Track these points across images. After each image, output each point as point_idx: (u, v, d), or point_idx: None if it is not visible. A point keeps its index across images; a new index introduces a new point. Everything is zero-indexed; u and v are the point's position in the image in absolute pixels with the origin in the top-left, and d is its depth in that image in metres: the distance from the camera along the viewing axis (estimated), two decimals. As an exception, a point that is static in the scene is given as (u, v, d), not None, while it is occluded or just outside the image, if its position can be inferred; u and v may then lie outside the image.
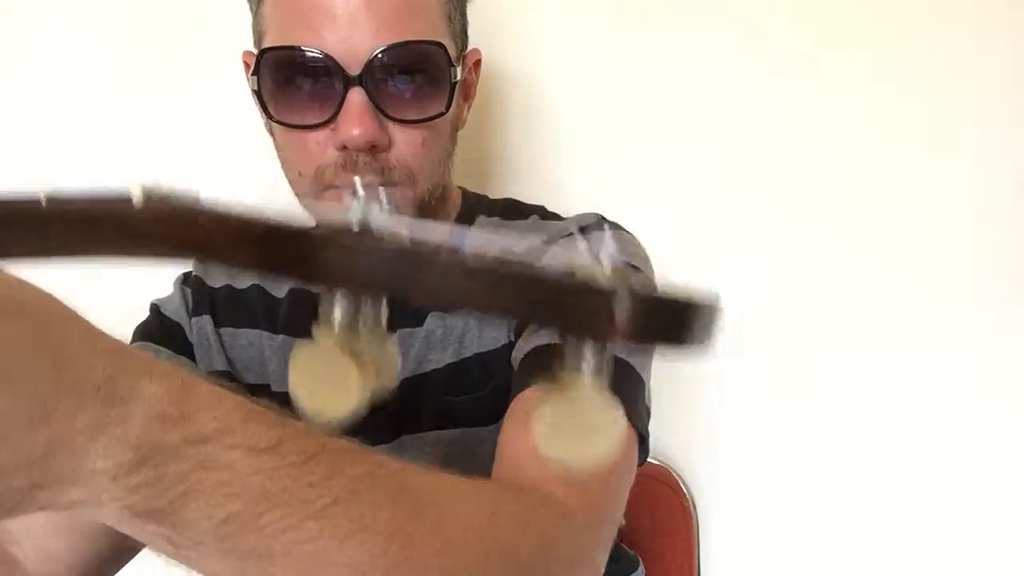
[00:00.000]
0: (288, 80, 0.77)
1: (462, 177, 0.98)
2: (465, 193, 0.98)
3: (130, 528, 0.39)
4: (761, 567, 1.24)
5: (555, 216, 0.94)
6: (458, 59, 0.82)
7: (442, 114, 0.79)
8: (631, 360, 0.75)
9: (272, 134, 0.84)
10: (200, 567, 0.42)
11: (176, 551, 0.40)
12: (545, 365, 0.73)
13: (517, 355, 0.79)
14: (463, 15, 0.85)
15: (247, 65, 0.85)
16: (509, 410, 0.72)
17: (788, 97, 1.16)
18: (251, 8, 0.83)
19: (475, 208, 0.95)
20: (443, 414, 0.85)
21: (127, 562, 0.75)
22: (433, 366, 0.86)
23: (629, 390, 0.73)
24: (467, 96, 0.90)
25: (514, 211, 0.94)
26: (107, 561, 0.72)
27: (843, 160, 1.16)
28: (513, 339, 0.83)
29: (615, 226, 0.89)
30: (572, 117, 1.21)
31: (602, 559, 0.63)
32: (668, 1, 1.17)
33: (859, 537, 1.20)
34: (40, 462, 0.33)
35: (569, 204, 0.96)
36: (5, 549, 0.67)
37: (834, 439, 1.19)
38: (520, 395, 0.72)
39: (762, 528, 1.23)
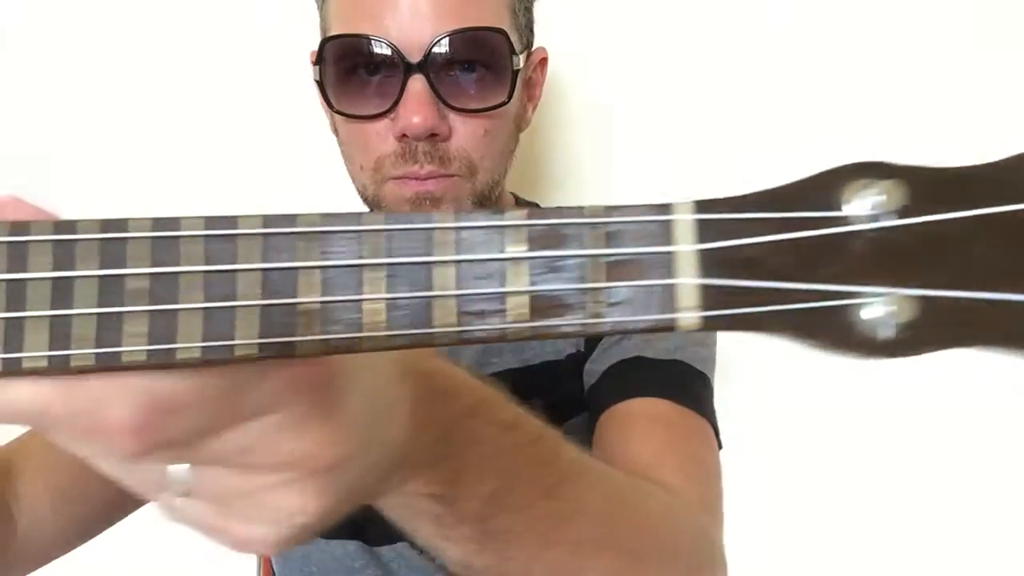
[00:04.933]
0: (349, 70, 0.77)
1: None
2: (517, 199, 0.97)
3: (406, 508, 0.41)
4: (762, 568, 1.21)
5: None
6: (522, 50, 0.80)
7: (504, 103, 0.78)
8: (694, 364, 0.78)
9: (336, 132, 0.83)
10: (452, 550, 0.44)
11: (437, 530, 0.42)
12: (632, 378, 0.76)
13: (594, 367, 0.80)
14: (528, 11, 0.83)
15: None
16: (605, 423, 0.74)
17: (860, 108, 1.13)
18: (317, 5, 0.82)
19: None
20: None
21: (108, 528, 0.76)
22: (493, 370, 0.85)
23: (698, 389, 0.77)
24: (531, 96, 0.88)
25: None
26: (92, 525, 0.74)
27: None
28: (583, 350, 0.83)
29: None
30: (627, 122, 1.17)
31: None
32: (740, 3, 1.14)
33: (861, 538, 1.19)
34: (400, 442, 0.36)
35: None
36: (8, 506, 0.68)
37: (837, 439, 1.18)
38: (615, 407, 0.74)
39: (763, 528, 1.20)
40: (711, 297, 0.26)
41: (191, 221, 0.27)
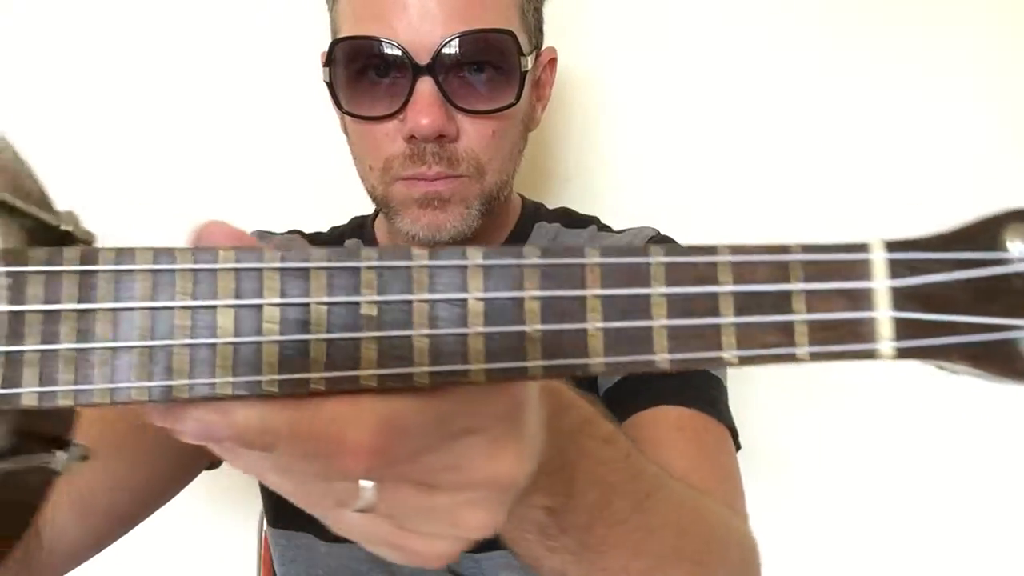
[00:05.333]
0: (359, 71, 0.77)
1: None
2: (523, 199, 0.97)
3: (518, 519, 0.42)
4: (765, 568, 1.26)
5: (608, 228, 0.94)
6: (530, 51, 0.81)
7: (511, 105, 0.79)
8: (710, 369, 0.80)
9: (346, 131, 0.84)
10: (550, 560, 0.46)
11: (541, 541, 0.44)
12: (653, 385, 0.77)
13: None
14: (538, 12, 0.84)
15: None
16: (629, 431, 0.73)
17: (871, 114, 1.16)
18: (328, 6, 0.82)
19: (533, 215, 0.94)
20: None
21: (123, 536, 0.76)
22: None
23: (716, 394, 0.79)
24: (540, 96, 0.89)
25: (572, 221, 0.95)
26: (110, 535, 0.74)
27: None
28: None
29: (668, 240, 0.91)
30: (634, 121, 1.18)
31: None
32: (743, 3, 1.16)
33: (864, 539, 1.21)
34: (539, 455, 0.36)
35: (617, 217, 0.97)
36: None
37: (841, 439, 1.20)
38: (639, 415, 0.75)
39: (764, 529, 1.24)
40: (904, 329, 0.29)
41: (419, 252, 0.28)
